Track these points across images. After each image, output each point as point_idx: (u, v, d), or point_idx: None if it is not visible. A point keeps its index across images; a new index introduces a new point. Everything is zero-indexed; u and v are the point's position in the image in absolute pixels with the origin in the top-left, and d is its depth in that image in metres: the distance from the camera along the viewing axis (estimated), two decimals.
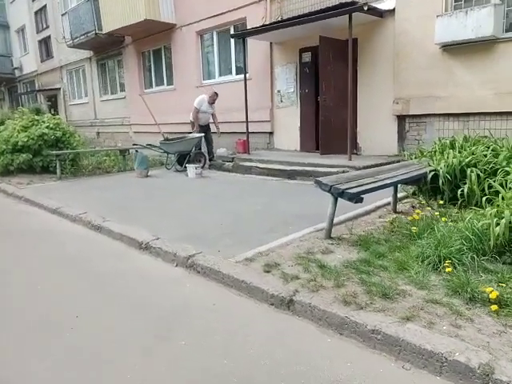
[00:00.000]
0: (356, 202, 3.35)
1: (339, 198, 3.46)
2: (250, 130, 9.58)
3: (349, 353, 2.13)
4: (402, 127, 7.65)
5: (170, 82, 13.02)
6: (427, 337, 2.06)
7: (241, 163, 8.30)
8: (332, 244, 3.46)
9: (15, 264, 3.67)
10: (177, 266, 3.46)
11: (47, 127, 8.68)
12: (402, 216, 4.26)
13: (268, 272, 2.94)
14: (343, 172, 6.43)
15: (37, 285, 3.12)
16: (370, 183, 3.58)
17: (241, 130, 10.39)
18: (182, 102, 12.11)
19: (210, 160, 9.27)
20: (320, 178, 3.55)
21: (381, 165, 6.95)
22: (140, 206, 5.47)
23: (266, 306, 2.65)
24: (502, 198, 3.33)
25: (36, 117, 9.00)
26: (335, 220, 4.21)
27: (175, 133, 11.77)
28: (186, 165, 7.88)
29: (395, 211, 4.55)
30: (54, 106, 18.88)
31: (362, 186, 3.47)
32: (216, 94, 9.12)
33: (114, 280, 3.18)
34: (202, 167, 7.88)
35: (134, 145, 8.67)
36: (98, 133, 17.05)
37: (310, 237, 3.72)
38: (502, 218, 2.90)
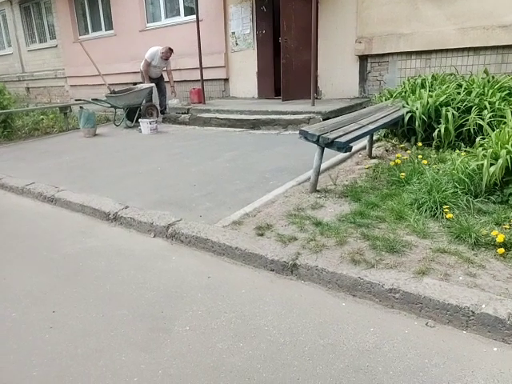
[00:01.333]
0: (345, 152, 3.14)
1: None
2: (204, 76, 8.97)
3: (368, 316, 2.00)
4: (363, 68, 7.43)
5: (108, 27, 11.64)
6: (447, 290, 1.97)
7: (198, 115, 7.75)
8: (320, 197, 3.28)
9: None
10: (155, 236, 3.13)
11: None
12: (381, 161, 4.15)
13: (262, 235, 2.71)
14: (309, 119, 6.22)
15: None
16: (356, 130, 3.36)
17: (192, 77, 9.70)
18: (125, 49, 11.01)
19: (161, 112, 8.59)
20: (305, 128, 3.27)
21: (345, 109, 6.79)
22: (95, 171, 4.92)
23: (266, 273, 2.44)
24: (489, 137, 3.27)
25: None
26: (310, 172, 4.02)
27: (118, 84, 10.78)
28: (139, 120, 7.21)
29: (371, 156, 4.43)
30: None
31: (348, 133, 3.24)
32: (170, 50, 8.28)
33: (87, 261, 2.80)
34: (156, 121, 7.26)
35: (76, 100, 7.77)
36: (28, 88, 15.26)
37: (295, 191, 3.50)
38: (496, 158, 2.83)
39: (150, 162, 5.15)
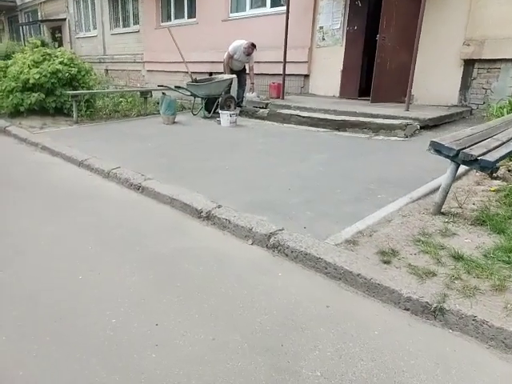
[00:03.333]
0: (491, 173, 2.63)
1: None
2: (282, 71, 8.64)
3: None
4: (467, 73, 6.68)
5: (191, 15, 11.64)
6: None
7: (278, 110, 7.41)
8: (447, 222, 2.79)
9: (40, 240, 3.03)
10: (253, 244, 2.82)
11: (61, 63, 7.65)
12: (507, 183, 3.55)
13: (388, 263, 2.30)
14: (406, 125, 5.65)
15: (78, 275, 2.49)
16: (499, 147, 2.82)
17: (271, 71, 9.41)
18: (205, 38, 10.95)
19: (238, 105, 8.36)
20: (439, 140, 2.78)
21: (445, 117, 6.17)
22: (180, 161, 4.74)
23: (399, 312, 2.03)
24: None
25: (48, 50, 7.96)
26: (424, 188, 3.54)
27: (195, 73, 10.75)
28: (220, 111, 7.01)
29: (492, 176, 3.83)
30: (58, 38, 17.42)
31: (492, 150, 2.71)
32: (253, 45, 8.01)
33: (184, 264, 2.55)
34: (236, 115, 7.02)
35: (159, 86, 7.73)
36: (107, 70, 15.80)
37: (412, 210, 3.04)
38: None
39: (234, 157, 4.89)
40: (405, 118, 5.85)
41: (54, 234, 3.02)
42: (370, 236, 2.64)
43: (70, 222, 3.23)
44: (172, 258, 2.65)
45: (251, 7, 9.94)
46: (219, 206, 3.27)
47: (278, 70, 9.19)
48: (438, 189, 3.49)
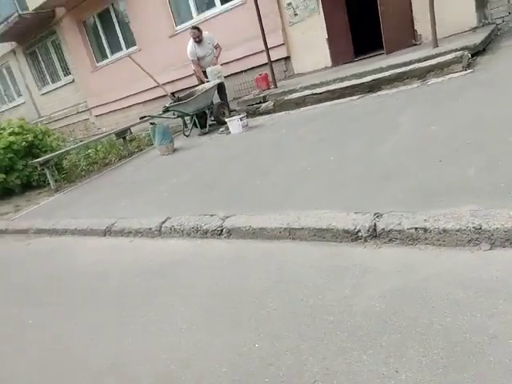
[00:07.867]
0: None
1: None
2: (257, 62, 7.87)
3: None
4: None
5: (130, 44, 10.31)
6: None
7: (285, 98, 6.33)
8: None
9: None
10: (491, 248, 1.72)
11: (12, 133, 6.28)
12: None
13: None
14: (462, 56, 4.73)
15: None
16: None
17: (241, 68, 8.43)
18: (154, 61, 9.62)
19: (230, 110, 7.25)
20: None
21: (488, 38, 5.31)
22: (236, 185, 3.52)
23: None
24: None
25: None
26: None
27: (159, 98, 9.65)
28: (227, 120, 5.85)
29: None
30: None
31: None
32: (193, 28, 6.90)
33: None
34: (246, 116, 5.88)
35: (141, 118, 6.45)
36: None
37: None
38: None
39: (295, 158, 3.71)
40: (448, 53, 4.94)
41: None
42: None
43: (177, 324, 1.98)
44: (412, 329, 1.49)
45: (198, 13, 8.82)
46: (377, 215, 2.15)
47: (252, 63, 8.23)
48: None
